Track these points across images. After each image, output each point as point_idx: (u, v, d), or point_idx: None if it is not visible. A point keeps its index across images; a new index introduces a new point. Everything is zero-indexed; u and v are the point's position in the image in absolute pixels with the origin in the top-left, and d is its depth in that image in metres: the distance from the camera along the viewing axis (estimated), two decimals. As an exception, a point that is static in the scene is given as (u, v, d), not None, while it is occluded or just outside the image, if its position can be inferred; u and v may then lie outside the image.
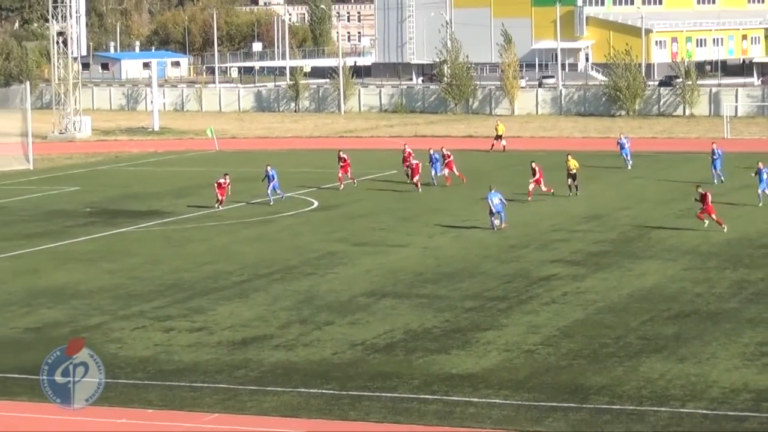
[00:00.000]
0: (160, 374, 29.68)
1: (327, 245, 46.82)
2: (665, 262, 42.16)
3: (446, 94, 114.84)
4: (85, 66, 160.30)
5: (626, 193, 59.88)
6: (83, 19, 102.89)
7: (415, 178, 61.36)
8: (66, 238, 49.95)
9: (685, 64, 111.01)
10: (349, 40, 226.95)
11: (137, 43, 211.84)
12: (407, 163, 63.33)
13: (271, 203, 56.80)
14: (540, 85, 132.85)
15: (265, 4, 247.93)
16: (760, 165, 54.12)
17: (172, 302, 37.39)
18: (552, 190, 56.68)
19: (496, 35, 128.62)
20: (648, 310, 35.07)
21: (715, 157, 61.78)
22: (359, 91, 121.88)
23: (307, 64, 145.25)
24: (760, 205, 53.32)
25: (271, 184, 56.90)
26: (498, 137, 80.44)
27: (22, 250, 47.23)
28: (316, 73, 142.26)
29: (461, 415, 26.36)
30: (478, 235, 48.03)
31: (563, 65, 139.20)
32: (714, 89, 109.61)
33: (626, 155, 69.38)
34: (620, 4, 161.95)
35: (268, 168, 57.39)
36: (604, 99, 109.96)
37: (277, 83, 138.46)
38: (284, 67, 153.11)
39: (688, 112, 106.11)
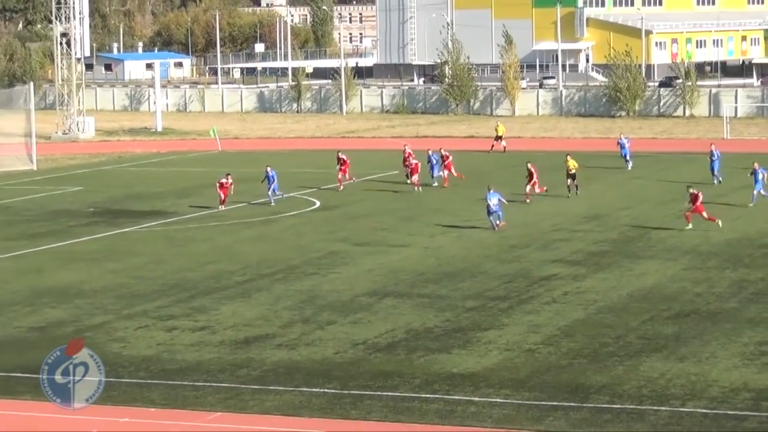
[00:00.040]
0: (162, 373, 29.82)
1: (329, 245, 46.98)
2: (665, 261, 42.31)
3: (447, 94, 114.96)
4: (89, 67, 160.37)
5: (626, 194, 60.02)
6: (86, 20, 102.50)
7: (414, 178, 61.50)
8: (69, 237, 50.12)
9: (685, 65, 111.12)
10: (350, 41, 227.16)
11: (140, 44, 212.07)
12: (407, 163, 63.50)
13: (273, 204, 56.94)
14: (541, 86, 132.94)
15: (267, 5, 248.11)
16: (756, 165, 54.25)
17: (175, 302, 37.55)
18: (545, 189, 56.69)
19: (497, 36, 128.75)
20: (648, 309, 35.21)
21: (713, 159, 61.95)
22: (361, 91, 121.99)
23: (309, 65, 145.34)
24: (751, 205, 53.40)
25: (271, 187, 56.94)
26: (498, 138, 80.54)
27: (26, 249, 47.39)
28: (318, 74, 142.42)
29: (462, 414, 26.48)
30: (479, 235, 48.19)
31: (564, 66, 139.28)
32: (714, 90, 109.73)
33: (626, 155, 69.51)
34: (620, 5, 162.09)
35: (268, 169, 57.48)
36: (604, 100, 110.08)
37: (280, 84, 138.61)
38: (286, 68, 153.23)
39: (688, 113, 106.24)
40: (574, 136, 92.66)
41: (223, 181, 56.34)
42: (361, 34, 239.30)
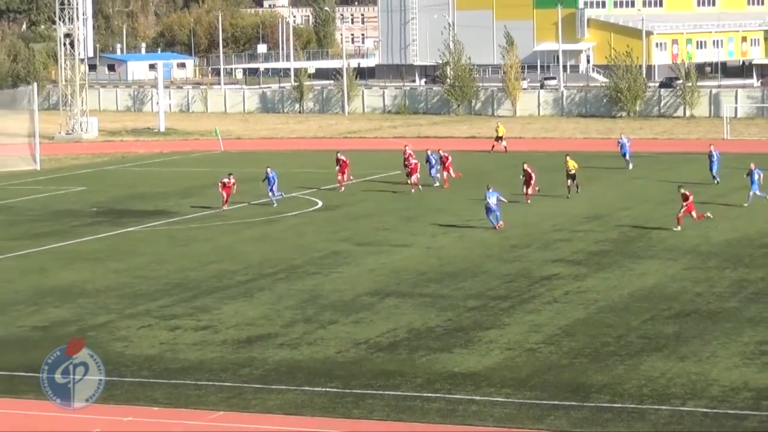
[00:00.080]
0: (165, 372, 29.94)
1: (331, 245, 47.11)
2: (666, 261, 42.42)
3: (449, 95, 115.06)
4: (92, 67, 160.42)
5: (627, 194, 60.12)
6: (90, 21, 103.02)
7: (413, 178, 61.58)
8: (73, 237, 50.26)
9: (686, 65, 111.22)
10: (352, 41, 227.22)
11: (143, 44, 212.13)
12: (407, 163, 63.61)
13: (275, 204, 57.04)
14: (542, 86, 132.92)
15: (269, 6, 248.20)
16: (752, 166, 54.34)
17: (178, 301, 37.68)
18: (538, 189, 56.53)
19: (499, 37, 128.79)
20: (649, 309, 35.33)
21: (712, 159, 62.07)
22: (363, 92, 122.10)
23: (311, 65, 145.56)
24: (746, 205, 53.47)
25: (271, 188, 56.93)
26: (498, 138, 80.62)
27: (29, 249, 47.53)
28: (320, 74, 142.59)
29: (464, 413, 26.58)
30: (481, 235, 48.31)
31: (565, 67, 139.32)
32: (714, 90, 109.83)
33: (626, 155, 69.59)
34: (621, 6, 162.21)
35: (268, 170, 57.49)
36: (605, 100, 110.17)
37: (282, 84, 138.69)
38: (288, 69, 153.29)
39: (688, 114, 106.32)
40: (575, 137, 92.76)
41: (226, 180, 56.45)
42: (363, 34, 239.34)
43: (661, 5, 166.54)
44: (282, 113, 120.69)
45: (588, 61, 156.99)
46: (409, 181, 62.32)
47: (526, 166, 56.80)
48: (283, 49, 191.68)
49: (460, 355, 30.78)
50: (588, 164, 67.77)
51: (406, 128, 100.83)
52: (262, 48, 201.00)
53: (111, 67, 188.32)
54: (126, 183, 69.11)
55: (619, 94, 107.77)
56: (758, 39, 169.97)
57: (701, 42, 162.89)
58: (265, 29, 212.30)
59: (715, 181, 61.51)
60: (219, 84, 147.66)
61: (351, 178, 63.57)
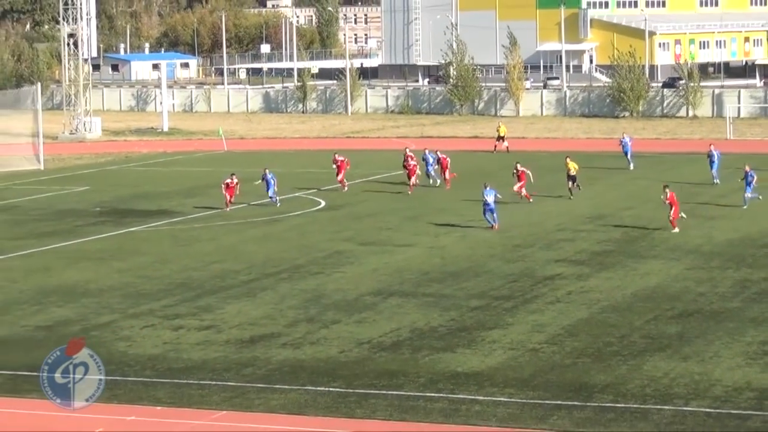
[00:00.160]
0: (168, 372, 29.97)
1: (334, 244, 47.14)
2: (669, 261, 42.43)
3: (452, 95, 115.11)
4: (96, 67, 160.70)
5: (629, 194, 60.12)
6: (93, 21, 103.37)
7: (411, 180, 61.54)
8: (76, 237, 50.31)
9: (688, 65, 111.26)
10: (356, 41, 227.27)
11: (147, 44, 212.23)
12: (406, 164, 63.61)
13: (278, 204, 57.00)
14: (545, 86, 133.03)
15: (273, 6, 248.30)
16: (747, 168, 54.33)
17: (181, 301, 37.72)
18: (522, 195, 56.12)
19: (502, 37, 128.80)
20: (652, 309, 35.34)
21: (712, 159, 62.06)
22: (366, 92, 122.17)
23: (315, 65, 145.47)
24: (745, 207, 53.45)
25: (269, 190, 56.83)
26: (500, 138, 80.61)
27: (33, 249, 47.57)
28: (324, 74, 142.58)
29: (467, 413, 26.60)
30: (484, 235, 48.33)
31: (568, 67, 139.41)
32: (717, 91, 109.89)
33: (628, 154, 69.56)
34: (624, 6, 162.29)
35: (267, 172, 57.41)
36: (608, 100, 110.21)
37: (285, 84, 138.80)
38: (292, 69, 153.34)
39: (691, 114, 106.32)
40: (577, 137, 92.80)
41: (228, 181, 56.41)
42: (366, 35, 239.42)
43: (664, 5, 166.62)
44: (285, 113, 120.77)
45: (591, 61, 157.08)
46: (409, 183, 62.40)
47: (519, 167, 56.66)
48: (286, 49, 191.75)
49: (463, 355, 30.80)
50: (590, 164, 67.82)
51: (409, 128, 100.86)
52: (265, 48, 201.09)
53: (114, 67, 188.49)
54: (129, 183, 69.17)
55: (622, 94, 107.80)
56: (761, 39, 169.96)
57: (704, 42, 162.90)
58: (269, 29, 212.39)
59: (714, 182, 61.45)
60: (222, 84, 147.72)
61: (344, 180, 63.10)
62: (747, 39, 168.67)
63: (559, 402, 27.02)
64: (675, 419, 25.91)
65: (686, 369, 29.19)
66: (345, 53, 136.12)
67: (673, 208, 47.86)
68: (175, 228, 52.51)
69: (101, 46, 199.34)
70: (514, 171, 56.54)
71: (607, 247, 45.63)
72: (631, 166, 68.99)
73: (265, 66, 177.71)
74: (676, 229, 47.76)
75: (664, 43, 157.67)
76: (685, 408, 26.52)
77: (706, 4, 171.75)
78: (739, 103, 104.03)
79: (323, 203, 58.57)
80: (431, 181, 63.32)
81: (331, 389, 28.32)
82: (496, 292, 38.09)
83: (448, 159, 63.41)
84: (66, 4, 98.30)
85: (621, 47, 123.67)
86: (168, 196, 62.87)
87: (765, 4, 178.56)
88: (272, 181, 56.84)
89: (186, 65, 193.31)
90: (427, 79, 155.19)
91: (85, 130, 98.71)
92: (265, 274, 41.71)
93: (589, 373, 29.09)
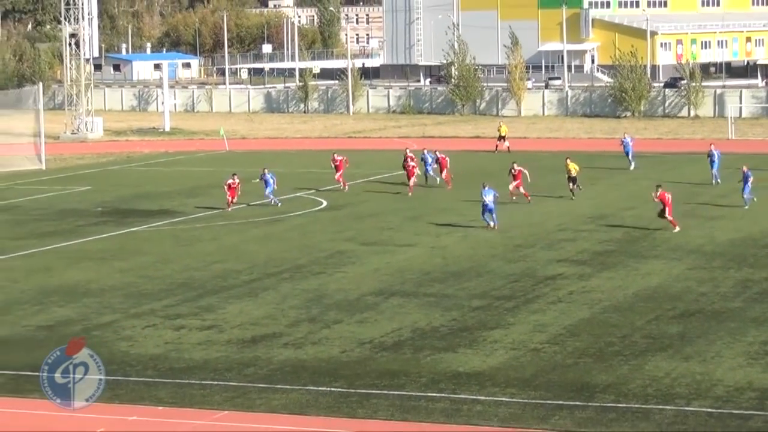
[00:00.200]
0: (170, 372, 29.98)
1: (335, 244, 47.15)
2: (670, 261, 42.43)
3: (454, 95, 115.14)
4: (97, 67, 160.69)
5: (631, 194, 60.11)
6: (95, 21, 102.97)
7: (411, 181, 61.50)
8: (78, 237, 50.34)
9: (690, 65, 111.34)
10: (357, 41, 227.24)
11: (148, 44, 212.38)
12: (406, 165, 63.62)
13: (279, 204, 57.02)
14: (546, 86, 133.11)
15: (274, 6, 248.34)
16: (744, 168, 54.31)
17: (183, 301, 37.73)
18: (514, 197, 56.12)
19: (503, 37, 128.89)
20: (653, 309, 35.34)
21: (713, 159, 62.05)
22: (368, 92, 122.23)
23: (316, 65, 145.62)
24: (746, 208, 53.43)
25: (267, 190, 56.82)
26: (501, 138, 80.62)
27: (35, 249, 47.60)
28: (325, 74, 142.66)
29: (468, 413, 26.61)
30: (485, 235, 48.33)
31: (569, 67, 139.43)
32: (718, 91, 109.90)
33: (629, 154, 69.55)
34: (626, 6, 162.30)
35: (266, 171, 57.38)
36: (609, 100, 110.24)
37: (287, 84, 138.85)
38: (293, 69, 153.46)
39: (692, 114, 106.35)
40: (579, 137, 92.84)
41: (230, 182, 56.40)
42: (367, 35, 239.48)
43: (665, 5, 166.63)
44: (287, 113, 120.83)
45: (593, 61, 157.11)
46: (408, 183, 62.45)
47: (516, 167, 56.63)
48: (287, 49, 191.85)
49: (464, 355, 30.81)
50: (592, 164, 67.82)
51: (410, 128, 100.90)
52: (267, 48, 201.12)
53: (116, 67, 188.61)
54: (131, 183, 69.21)
55: (623, 94, 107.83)
56: (763, 39, 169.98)
57: (706, 42, 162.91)
58: (270, 29, 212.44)
59: (714, 182, 61.44)
60: (224, 84, 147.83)
61: (342, 184, 62.88)
62: (749, 39, 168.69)
63: (560, 402, 27.03)
64: (677, 419, 25.91)
65: (688, 369, 29.20)
66: (347, 53, 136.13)
67: (667, 208, 47.82)
68: (176, 228, 52.53)
69: (103, 46, 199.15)
70: (510, 170, 56.59)
71: (608, 247, 45.64)
72: (632, 167, 68.96)
73: (267, 66, 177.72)
74: (677, 228, 47.77)
75: (665, 43, 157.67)
76: (686, 408, 26.52)
77: (708, 4, 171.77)
78: (740, 103, 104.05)
79: (325, 203, 58.58)
80: (428, 180, 63.22)
81: (332, 389, 28.33)
82: (497, 292, 38.10)
83: (447, 158, 63.42)
84: (68, 4, 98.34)
85: (622, 47, 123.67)
86: (169, 196, 62.89)
87: (767, 4, 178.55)
88: (271, 181, 56.83)
89: (188, 65, 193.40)
90: (428, 79, 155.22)
91: (87, 130, 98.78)
92: (267, 273, 41.72)
93: (591, 373, 29.09)
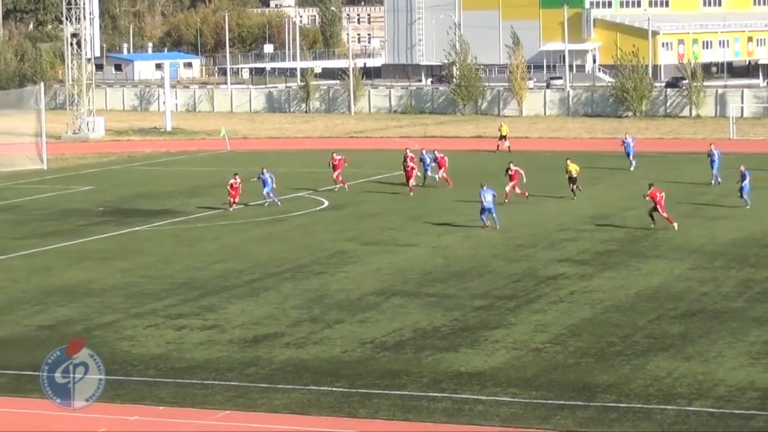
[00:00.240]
0: (171, 372, 29.98)
1: (337, 244, 47.15)
2: (672, 261, 42.42)
3: (455, 95, 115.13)
4: (99, 67, 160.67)
5: (632, 193, 59.95)
6: (97, 21, 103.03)
7: (410, 182, 61.49)
8: (79, 236, 50.34)
9: (692, 65, 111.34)
10: (359, 41, 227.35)
11: (150, 44, 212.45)
12: (405, 165, 63.61)
13: (279, 204, 56.96)
14: (548, 86, 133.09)
15: (276, 6, 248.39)
16: (742, 168, 54.27)
17: (184, 300, 37.73)
18: (506, 200, 56.07)
19: (505, 37, 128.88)
20: (655, 309, 35.34)
21: (713, 159, 62.02)
22: (369, 92, 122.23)
23: (318, 65, 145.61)
24: (748, 207, 53.39)
25: (265, 189, 56.79)
26: (502, 138, 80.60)
27: (36, 248, 47.61)
28: (327, 74, 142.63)
29: (470, 413, 26.61)
30: (487, 235, 48.33)
31: (571, 67, 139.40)
32: (720, 90, 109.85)
33: (630, 154, 69.49)
34: (627, 6, 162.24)
35: (265, 171, 57.32)
36: (611, 100, 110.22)
37: (288, 84, 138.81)
38: (295, 69, 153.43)
39: (694, 113, 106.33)
40: (581, 137, 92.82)
41: (232, 182, 56.39)
42: (369, 34, 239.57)
43: (667, 5, 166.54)
44: (288, 113, 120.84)
45: (594, 61, 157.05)
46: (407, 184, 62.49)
47: (512, 165, 56.61)
48: (289, 48, 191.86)
49: (466, 355, 30.81)
50: (593, 164, 67.80)
51: (412, 128, 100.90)
52: (268, 48, 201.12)
53: (118, 67, 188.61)
54: (132, 182, 69.23)
55: (625, 94, 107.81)
56: (764, 39, 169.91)
57: (707, 42, 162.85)
58: (272, 29, 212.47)
59: (714, 182, 61.39)
60: (225, 84, 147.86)
61: (340, 184, 62.74)
62: (750, 39, 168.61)
63: (562, 402, 27.03)
64: (678, 419, 25.91)
65: (689, 369, 29.19)
66: (348, 53, 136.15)
67: (659, 206, 47.80)
68: (178, 228, 52.54)
69: (104, 45, 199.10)
70: (507, 170, 56.59)
71: (609, 246, 45.63)
72: (632, 167, 68.90)
73: (268, 66, 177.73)
74: (675, 224, 47.74)
75: (667, 43, 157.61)
76: (688, 408, 26.52)
77: (710, 4, 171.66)
78: (742, 102, 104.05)
79: (326, 203, 58.59)
80: (426, 180, 63.19)
81: (334, 389, 28.33)
82: (499, 291, 38.09)
83: (445, 158, 63.42)
84: (69, 3, 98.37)
85: (624, 47, 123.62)
86: (171, 195, 62.90)
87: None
88: (269, 180, 56.81)
89: (189, 65, 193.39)
90: (430, 79, 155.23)
91: (88, 130, 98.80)
92: (268, 273, 41.72)
93: (592, 372, 29.09)
